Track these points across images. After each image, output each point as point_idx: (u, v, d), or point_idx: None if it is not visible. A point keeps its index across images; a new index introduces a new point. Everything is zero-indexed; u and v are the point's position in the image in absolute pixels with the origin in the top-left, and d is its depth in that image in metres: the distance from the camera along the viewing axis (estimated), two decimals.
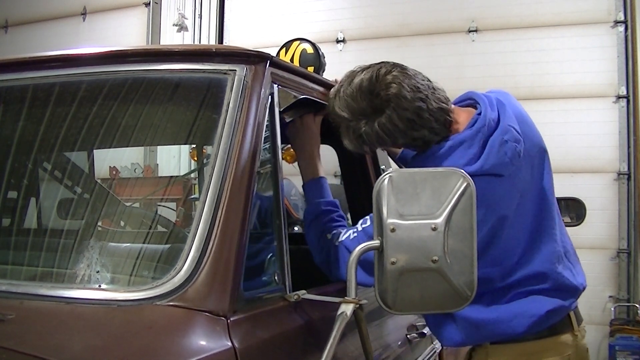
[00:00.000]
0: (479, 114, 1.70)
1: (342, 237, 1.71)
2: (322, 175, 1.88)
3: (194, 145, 2.66)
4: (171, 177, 4.64)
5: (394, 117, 1.61)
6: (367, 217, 1.71)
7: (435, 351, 2.41)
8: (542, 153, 1.81)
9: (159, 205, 2.47)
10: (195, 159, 2.77)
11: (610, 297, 5.18)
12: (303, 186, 1.90)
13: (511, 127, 1.69)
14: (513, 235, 1.69)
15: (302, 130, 1.90)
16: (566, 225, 6.10)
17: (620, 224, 5.22)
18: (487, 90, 1.84)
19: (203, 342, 1.25)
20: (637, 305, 5.07)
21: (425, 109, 1.63)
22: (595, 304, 5.19)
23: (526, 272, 1.72)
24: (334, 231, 1.75)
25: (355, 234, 1.70)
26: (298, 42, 2.14)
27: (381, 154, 2.35)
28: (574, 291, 1.79)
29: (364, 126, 1.64)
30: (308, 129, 1.90)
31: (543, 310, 1.71)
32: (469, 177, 1.39)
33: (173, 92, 1.75)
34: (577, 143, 5.30)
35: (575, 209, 5.44)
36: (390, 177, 1.38)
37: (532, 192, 1.75)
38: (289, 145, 2.67)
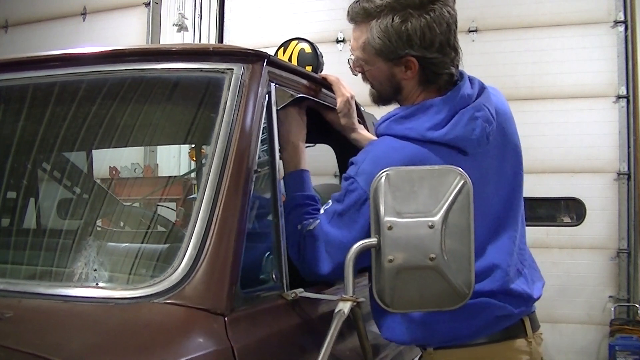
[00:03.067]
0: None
1: (311, 227, 1.67)
2: (304, 167, 1.83)
3: (193, 145, 2.67)
4: (169, 177, 4.64)
5: (442, 15, 1.60)
6: (330, 199, 1.69)
7: None
8: (517, 153, 1.78)
9: (159, 205, 2.48)
10: (194, 158, 2.77)
11: (610, 297, 5.17)
12: (283, 177, 1.84)
13: (486, 107, 1.66)
14: None
15: (286, 121, 1.85)
16: (566, 225, 6.08)
17: (620, 224, 5.22)
18: None
19: (201, 340, 1.25)
20: (637, 305, 5.06)
21: (455, 30, 1.64)
22: (595, 304, 5.18)
23: (477, 270, 1.62)
24: (305, 222, 1.71)
25: (318, 220, 1.67)
26: (296, 41, 2.14)
27: None
28: (526, 299, 1.71)
29: (412, 18, 1.59)
30: (293, 120, 1.86)
31: (490, 315, 1.64)
32: (466, 175, 1.39)
33: (171, 91, 1.76)
34: (577, 143, 5.29)
35: (575, 209, 5.47)
36: (388, 174, 1.38)
37: (498, 187, 1.70)
38: None
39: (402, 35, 1.61)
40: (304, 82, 1.92)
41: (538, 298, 1.77)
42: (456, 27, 1.67)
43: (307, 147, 2.71)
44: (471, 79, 1.74)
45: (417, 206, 1.37)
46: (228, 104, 1.51)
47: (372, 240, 1.38)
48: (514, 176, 1.76)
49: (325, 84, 2.00)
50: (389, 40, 1.62)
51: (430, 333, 1.66)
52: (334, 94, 2.01)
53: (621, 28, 5.29)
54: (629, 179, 5.21)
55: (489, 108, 1.66)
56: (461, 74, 1.73)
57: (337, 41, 5.96)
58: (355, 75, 1.81)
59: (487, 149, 1.66)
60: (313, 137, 2.41)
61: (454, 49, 1.66)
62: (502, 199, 1.72)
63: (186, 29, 6.38)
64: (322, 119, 2.02)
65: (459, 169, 1.40)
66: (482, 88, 1.72)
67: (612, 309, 5.11)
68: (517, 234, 1.74)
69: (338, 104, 1.96)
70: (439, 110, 1.62)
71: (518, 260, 1.73)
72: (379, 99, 1.81)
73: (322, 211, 1.70)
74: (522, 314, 1.71)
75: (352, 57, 1.76)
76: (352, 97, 1.98)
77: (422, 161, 1.57)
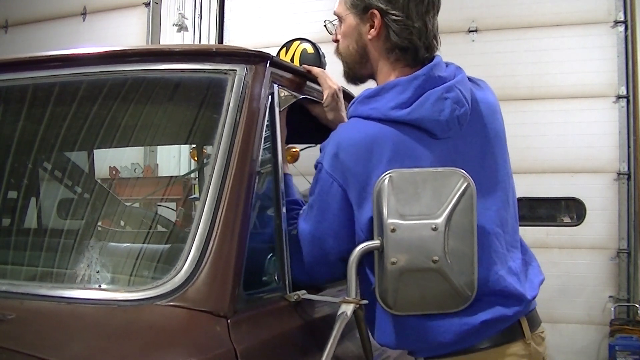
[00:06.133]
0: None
1: (294, 232, 1.64)
2: (285, 172, 1.77)
3: (194, 145, 2.66)
4: (171, 177, 4.63)
5: None
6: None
7: None
8: (503, 146, 1.70)
9: (159, 205, 2.47)
10: (196, 159, 2.76)
11: (610, 297, 5.17)
12: None
13: (458, 88, 1.60)
14: None
15: None
16: (566, 225, 6.05)
17: (620, 224, 5.21)
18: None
19: (203, 343, 1.25)
20: (637, 305, 5.07)
21: (428, 6, 1.64)
22: (595, 304, 5.18)
23: None
24: (289, 227, 1.66)
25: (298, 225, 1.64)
26: (298, 42, 2.13)
27: None
28: (519, 299, 1.59)
29: None
30: None
31: (477, 320, 1.53)
32: (470, 177, 1.38)
33: (173, 92, 1.75)
34: (577, 143, 5.29)
35: (575, 209, 5.47)
36: (391, 176, 1.38)
37: (481, 179, 1.55)
38: (289, 145, 2.67)
39: None
40: (308, 83, 1.91)
41: (533, 297, 1.65)
42: (434, 7, 1.66)
43: (308, 147, 2.73)
44: (447, 64, 1.69)
45: (420, 208, 1.37)
46: (231, 105, 1.51)
47: (375, 242, 1.38)
48: (499, 168, 1.67)
49: (310, 76, 1.95)
50: None
51: (416, 339, 1.59)
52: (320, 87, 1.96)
53: (621, 28, 5.28)
54: (629, 179, 5.21)
55: (461, 90, 1.61)
56: (434, 57, 1.69)
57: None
58: (334, 40, 1.81)
59: (462, 134, 1.60)
60: (314, 138, 2.42)
61: (422, 20, 1.63)
62: (486, 192, 1.60)
63: (186, 29, 6.38)
64: (310, 115, 1.98)
65: (462, 171, 1.39)
66: (459, 73, 1.67)
67: (612, 309, 5.11)
68: (502, 231, 1.63)
69: (324, 97, 1.92)
70: (404, 90, 1.58)
71: (508, 257, 1.62)
72: (349, 72, 1.78)
73: (301, 212, 1.67)
74: (517, 315, 1.60)
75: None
76: (339, 89, 1.95)
77: (384, 140, 1.54)
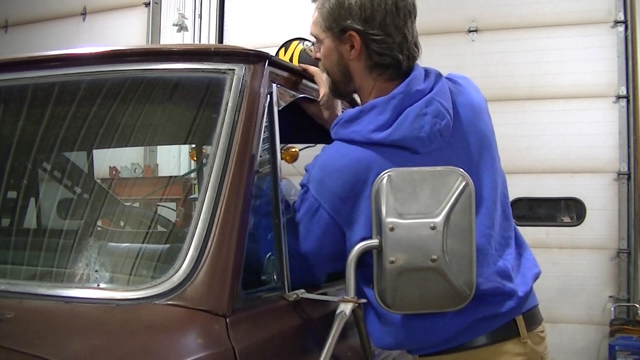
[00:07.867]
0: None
1: None
2: None
3: (194, 145, 2.67)
4: (170, 177, 4.64)
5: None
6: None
7: None
8: (490, 147, 1.69)
9: (159, 205, 2.47)
10: (195, 158, 2.77)
11: (610, 297, 5.18)
12: None
13: (437, 100, 1.58)
14: None
15: None
16: (566, 225, 6.06)
17: (620, 224, 5.22)
18: (447, 74, 1.76)
19: (202, 342, 1.26)
20: (637, 305, 5.07)
21: (406, 16, 1.62)
22: (595, 304, 5.18)
23: None
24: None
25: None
26: (297, 41, 2.14)
27: None
28: (510, 295, 1.59)
29: None
30: None
31: (470, 318, 1.54)
32: (468, 176, 1.38)
33: (172, 92, 1.75)
34: (577, 143, 5.29)
35: (575, 209, 5.48)
36: (389, 176, 1.38)
37: None
38: (289, 145, 2.67)
39: (343, 3, 1.61)
40: (307, 82, 1.91)
41: (526, 292, 1.64)
42: (411, 15, 1.64)
43: (307, 147, 2.73)
44: (427, 72, 1.68)
45: (419, 207, 1.37)
46: (230, 104, 1.51)
47: (374, 241, 1.38)
48: (486, 169, 1.66)
49: (307, 75, 1.94)
50: (331, 8, 1.64)
51: (410, 338, 1.60)
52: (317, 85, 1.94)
53: (621, 28, 5.29)
54: (629, 179, 5.21)
55: (441, 101, 1.59)
56: (413, 68, 1.67)
57: None
58: (314, 59, 1.81)
59: (446, 144, 1.59)
60: (312, 137, 2.42)
61: (401, 34, 1.62)
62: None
63: (186, 29, 6.38)
64: (305, 113, 1.98)
65: (461, 170, 1.39)
66: (439, 80, 1.66)
67: (612, 309, 5.11)
68: (492, 232, 1.62)
69: (320, 96, 1.90)
70: (382, 111, 1.58)
71: (497, 256, 1.62)
72: (335, 89, 1.79)
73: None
74: (511, 312, 1.60)
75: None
76: None
77: (368, 164, 1.54)
